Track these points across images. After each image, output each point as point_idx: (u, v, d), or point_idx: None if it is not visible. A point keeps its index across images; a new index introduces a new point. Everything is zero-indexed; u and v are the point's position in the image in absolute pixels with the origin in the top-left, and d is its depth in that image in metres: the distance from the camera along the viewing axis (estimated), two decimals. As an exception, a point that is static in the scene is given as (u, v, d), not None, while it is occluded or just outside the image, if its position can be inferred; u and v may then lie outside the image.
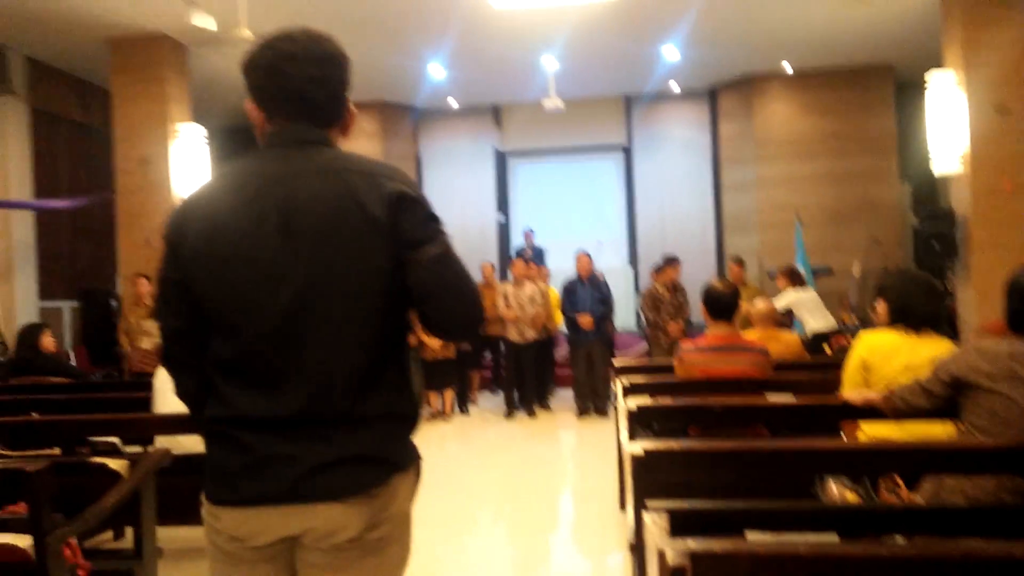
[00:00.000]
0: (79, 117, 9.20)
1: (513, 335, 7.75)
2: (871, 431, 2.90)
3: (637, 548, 2.19)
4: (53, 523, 2.29)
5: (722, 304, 3.64)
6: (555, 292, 8.15)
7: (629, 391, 3.60)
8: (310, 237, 1.34)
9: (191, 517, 3.12)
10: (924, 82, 7.55)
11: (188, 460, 3.03)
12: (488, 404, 8.63)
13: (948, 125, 7.20)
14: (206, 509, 1.42)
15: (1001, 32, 7.06)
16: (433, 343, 7.44)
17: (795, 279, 7.31)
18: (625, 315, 10.35)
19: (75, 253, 9.25)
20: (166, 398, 3.28)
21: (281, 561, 1.41)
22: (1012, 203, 6.99)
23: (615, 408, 4.62)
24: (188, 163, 8.17)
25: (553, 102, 9.26)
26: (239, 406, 1.36)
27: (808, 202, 10.15)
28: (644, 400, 3.08)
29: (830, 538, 1.71)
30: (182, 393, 1.52)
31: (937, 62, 7.72)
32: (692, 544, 1.37)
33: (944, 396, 2.37)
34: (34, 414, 3.81)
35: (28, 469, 2.25)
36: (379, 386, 1.38)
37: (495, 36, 8.37)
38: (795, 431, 3.41)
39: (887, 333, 2.97)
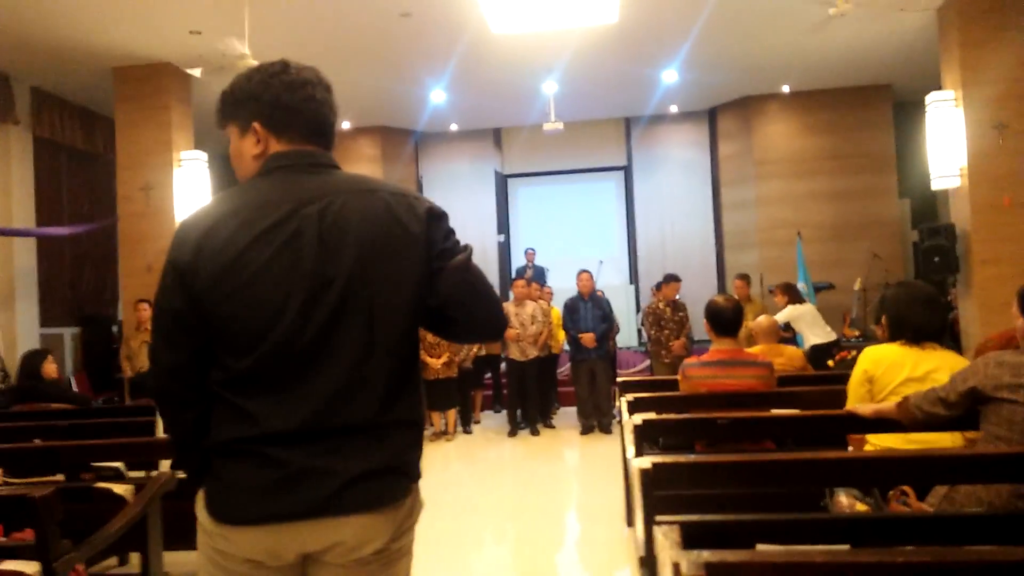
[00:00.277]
0: (82, 145, 9.27)
1: (515, 354, 7.76)
2: (878, 443, 2.89)
3: (647, 562, 2.18)
4: (60, 549, 2.28)
5: (725, 319, 3.65)
6: (557, 311, 8.16)
7: (634, 407, 3.59)
8: (351, 251, 1.37)
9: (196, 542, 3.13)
10: (922, 100, 7.61)
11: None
12: (491, 423, 8.60)
13: (947, 143, 7.26)
14: (214, 532, 1.37)
15: (998, 51, 7.13)
16: (435, 363, 7.44)
17: (792, 295, 7.34)
18: (626, 332, 10.35)
19: (77, 280, 9.27)
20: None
21: None
22: (1011, 218, 7.03)
23: (619, 425, 4.61)
24: (191, 189, 8.21)
25: (553, 125, 9.33)
26: (268, 423, 1.33)
27: (808, 219, 10.20)
28: (650, 415, 3.07)
29: (842, 549, 1.70)
30: (178, 430, 1.46)
31: (934, 81, 7.80)
32: (707, 555, 1.36)
33: (961, 406, 2.38)
34: (37, 441, 3.80)
35: (34, 495, 2.24)
36: (403, 394, 1.42)
37: (495, 61, 8.45)
38: (801, 444, 3.40)
39: (890, 347, 2.97)
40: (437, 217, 1.46)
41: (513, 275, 9.47)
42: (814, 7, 7.38)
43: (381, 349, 1.38)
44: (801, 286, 8.76)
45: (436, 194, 11.99)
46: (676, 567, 1.36)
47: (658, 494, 2.22)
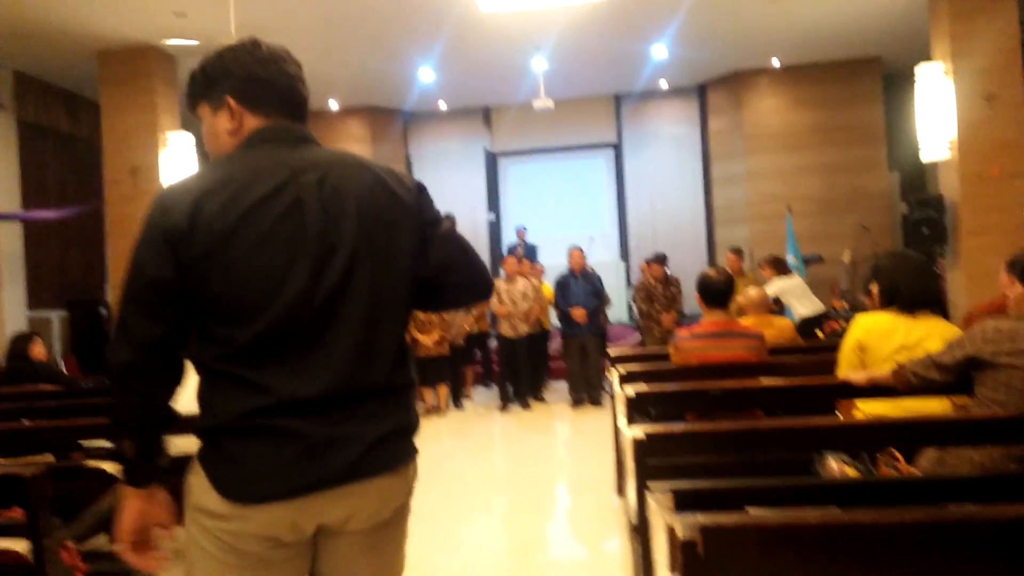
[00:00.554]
0: (67, 128, 9.17)
1: (506, 330, 7.78)
2: (867, 409, 2.91)
3: (640, 528, 2.18)
4: (50, 526, 2.26)
5: (716, 291, 3.65)
6: (549, 288, 8.17)
7: (626, 379, 3.60)
8: (352, 220, 1.37)
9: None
10: (911, 73, 7.59)
11: (184, 460, 3.00)
12: (482, 398, 8.63)
13: (936, 114, 7.25)
14: (228, 514, 1.31)
15: (988, 22, 7.11)
16: (426, 340, 7.44)
17: (779, 268, 7.35)
18: (617, 308, 10.37)
19: (64, 263, 9.20)
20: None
21: (307, 559, 1.40)
22: (999, 188, 7.04)
23: (611, 397, 4.62)
24: (178, 171, 8.13)
25: (543, 102, 9.26)
26: (284, 392, 1.30)
27: (798, 193, 10.21)
28: (642, 387, 3.07)
29: (834, 511, 1.70)
30: (146, 410, 1.37)
31: (923, 53, 7.77)
32: (701, 519, 1.36)
33: (956, 372, 2.41)
34: (25, 421, 3.78)
35: (24, 473, 2.23)
36: (404, 358, 1.45)
37: (484, 39, 8.37)
38: (792, 413, 3.41)
39: (882, 315, 2.98)
40: (424, 189, 1.53)
41: (504, 253, 9.45)
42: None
43: (387, 315, 1.40)
44: (791, 259, 8.78)
45: (426, 173, 11.92)
46: (671, 531, 1.36)
47: (650, 463, 2.22)
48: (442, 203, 1.54)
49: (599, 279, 7.95)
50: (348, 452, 1.32)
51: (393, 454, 1.39)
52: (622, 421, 3.16)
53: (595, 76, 10.37)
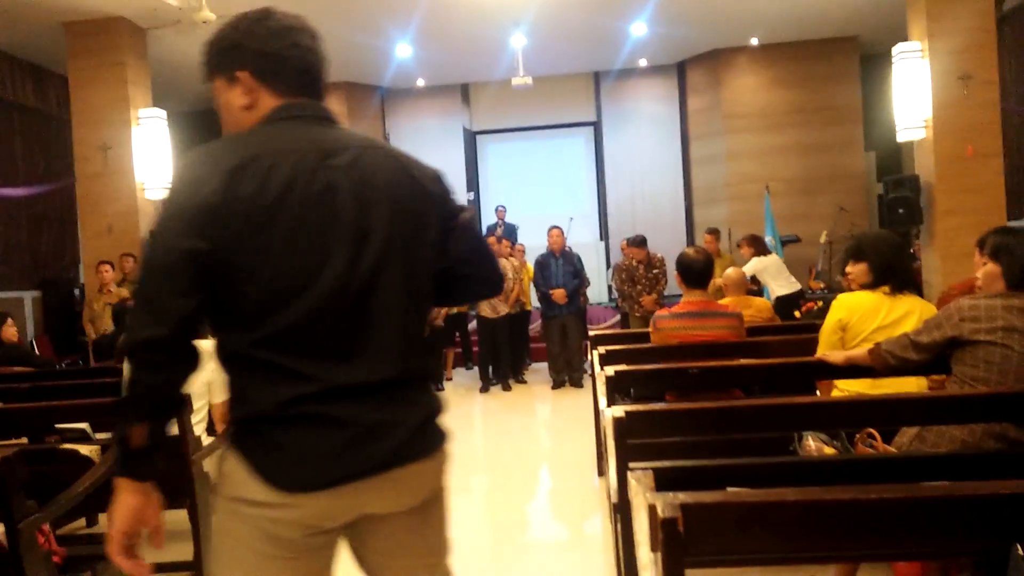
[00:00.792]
0: (34, 103, 8.96)
1: (486, 311, 7.76)
2: (845, 388, 2.94)
3: (620, 507, 2.20)
4: (25, 510, 2.23)
5: (695, 271, 3.66)
6: (530, 268, 8.16)
7: (606, 359, 3.61)
8: (384, 206, 1.35)
9: (166, 500, 3.09)
10: (888, 52, 7.63)
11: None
12: (462, 380, 8.63)
13: (912, 94, 7.29)
14: (275, 503, 1.26)
15: (964, 2, 7.15)
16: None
17: (758, 247, 7.38)
18: (597, 288, 10.40)
19: (35, 242, 9.04)
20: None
21: (338, 544, 1.40)
22: (974, 168, 7.12)
23: (591, 378, 4.64)
24: (150, 148, 7.99)
25: (522, 80, 9.20)
26: (329, 379, 1.27)
27: (776, 173, 10.27)
28: (621, 367, 3.08)
29: (813, 490, 1.72)
30: (168, 390, 1.28)
31: (900, 32, 7.81)
32: (682, 497, 1.37)
33: (933, 351, 2.43)
34: (-1, 404, 3.71)
35: (-4, 456, 2.19)
36: (429, 346, 1.46)
37: (462, 14, 8.27)
38: (771, 392, 3.45)
39: (864, 294, 3.01)
40: (444, 178, 1.51)
41: (484, 233, 9.41)
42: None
43: (415, 304, 1.40)
44: (769, 240, 8.83)
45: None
46: (652, 509, 1.36)
47: (631, 442, 2.23)
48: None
49: (579, 259, 7.94)
50: (393, 438, 1.32)
51: (432, 439, 1.40)
52: (602, 401, 3.17)
53: (574, 53, 10.31)
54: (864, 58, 10.43)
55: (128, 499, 1.28)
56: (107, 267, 7.22)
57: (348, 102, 11.00)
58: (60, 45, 7.99)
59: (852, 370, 2.75)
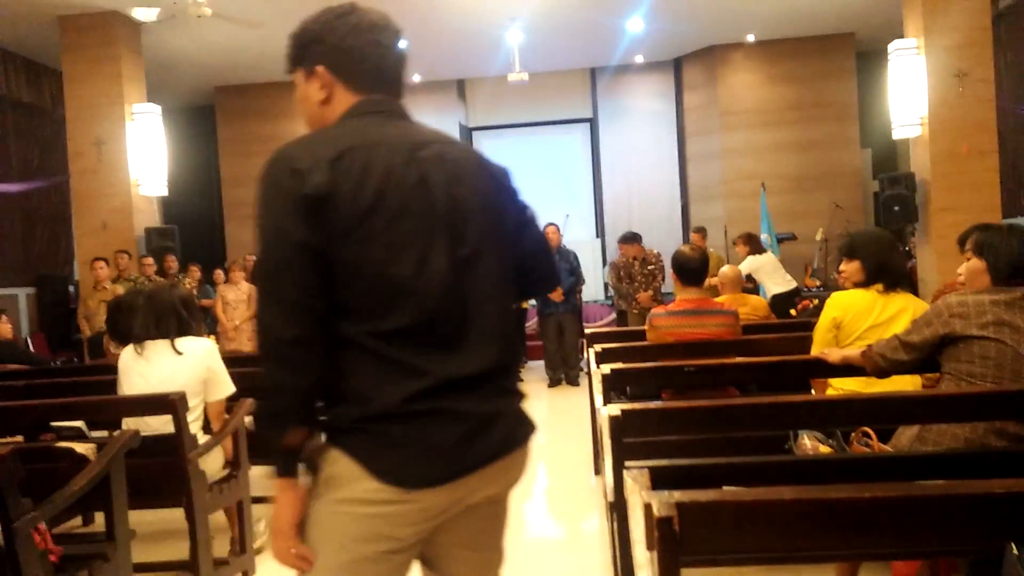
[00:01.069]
0: (28, 98, 8.93)
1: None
2: (840, 386, 2.95)
3: (617, 506, 2.20)
4: (21, 508, 2.23)
5: (691, 269, 3.66)
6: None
7: (602, 357, 3.61)
8: (472, 198, 1.36)
9: (162, 499, 3.09)
10: (884, 50, 7.64)
11: (157, 441, 2.97)
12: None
13: (908, 92, 7.31)
14: (394, 500, 1.25)
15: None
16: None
17: (753, 245, 7.39)
18: (593, 286, 10.40)
19: (29, 238, 9.00)
20: (131, 380, 3.20)
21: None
22: (969, 166, 7.14)
23: (587, 376, 4.64)
24: (144, 144, 7.97)
25: (518, 76, 9.19)
26: (438, 372, 1.27)
27: (772, 170, 10.27)
28: (618, 365, 3.09)
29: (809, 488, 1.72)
30: (314, 389, 1.27)
31: (897, 29, 7.81)
32: (678, 495, 1.37)
33: (924, 350, 2.43)
34: (-7, 401, 3.70)
35: (-9, 454, 2.18)
36: (518, 333, 1.46)
37: (458, 9, 8.25)
38: (766, 390, 3.46)
39: (857, 292, 3.02)
40: (512, 174, 1.54)
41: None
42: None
43: (508, 293, 1.43)
44: (764, 237, 8.84)
45: (399, 148, 11.79)
46: (648, 508, 1.37)
47: (627, 441, 2.23)
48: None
49: (575, 256, 7.94)
50: (501, 428, 1.34)
51: (528, 426, 1.42)
52: (599, 399, 3.17)
53: (570, 49, 10.30)
54: (860, 55, 10.44)
55: (290, 497, 1.29)
56: (102, 263, 7.19)
57: (344, 98, 10.97)
58: (54, 40, 7.96)
59: (847, 369, 2.76)
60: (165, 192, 8.37)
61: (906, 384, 2.88)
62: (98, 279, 7.19)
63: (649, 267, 7.61)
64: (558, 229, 7.87)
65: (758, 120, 10.51)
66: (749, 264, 7.16)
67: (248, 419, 3.44)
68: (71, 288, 9.10)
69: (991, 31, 7.32)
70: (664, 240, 10.23)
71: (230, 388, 3.26)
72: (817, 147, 10.38)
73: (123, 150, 7.88)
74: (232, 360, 3.68)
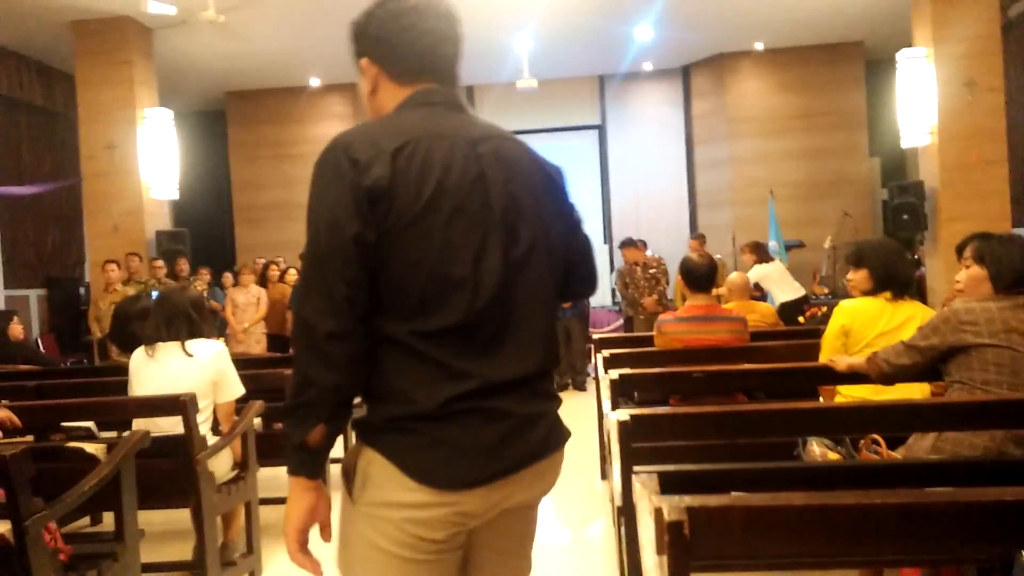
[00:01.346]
0: (41, 102, 9.00)
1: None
2: (849, 394, 2.95)
3: (625, 511, 2.20)
4: (32, 507, 2.24)
5: (699, 275, 3.67)
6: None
7: (610, 363, 3.61)
8: (528, 197, 1.32)
9: (171, 499, 3.11)
10: (892, 58, 7.63)
11: (167, 442, 2.99)
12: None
13: (917, 100, 7.30)
14: (432, 503, 1.21)
15: (969, 8, 7.15)
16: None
17: (760, 253, 7.38)
18: (600, 292, 10.39)
19: (41, 241, 9.07)
20: (142, 381, 3.22)
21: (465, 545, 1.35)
22: (978, 175, 7.12)
23: (595, 381, 4.64)
24: (156, 148, 8.02)
25: (527, 82, 9.22)
26: (486, 373, 1.23)
27: (780, 178, 10.26)
28: (626, 370, 3.09)
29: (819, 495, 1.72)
30: (348, 388, 1.22)
31: (905, 38, 7.81)
32: (688, 500, 1.37)
33: (929, 357, 2.43)
34: (4, 402, 3.73)
35: (4, 453, 2.20)
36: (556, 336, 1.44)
37: (467, 16, 8.14)
38: (774, 397, 3.45)
39: (867, 300, 3.02)
40: (565, 173, 1.48)
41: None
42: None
43: (554, 297, 1.39)
44: (772, 245, 8.83)
45: (408, 153, 11.82)
46: (658, 512, 1.37)
47: (635, 446, 2.23)
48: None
49: (582, 262, 7.94)
50: (540, 430, 1.32)
51: (564, 432, 1.41)
52: (607, 405, 3.17)
53: (579, 56, 10.33)
54: (869, 64, 10.43)
55: (306, 498, 1.25)
56: (113, 266, 7.24)
57: (354, 104, 11.02)
58: (67, 44, 8.03)
59: (855, 376, 2.76)
60: (176, 195, 8.42)
61: (915, 392, 2.87)
62: (109, 281, 7.23)
63: (651, 271, 7.59)
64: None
65: (766, 128, 10.51)
66: (756, 273, 7.16)
67: (257, 421, 3.45)
68: (82, 290, 9.15)
69: (1000, 40, 7.31)
70: (671, 247, 10.21)
71: (240, 390, 3.28)
72: (825, 155, 10.37)
73: (135, 154, 7.93)
74: (241, 362, 3.70)
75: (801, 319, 6.89)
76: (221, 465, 3.20)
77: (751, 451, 2.62)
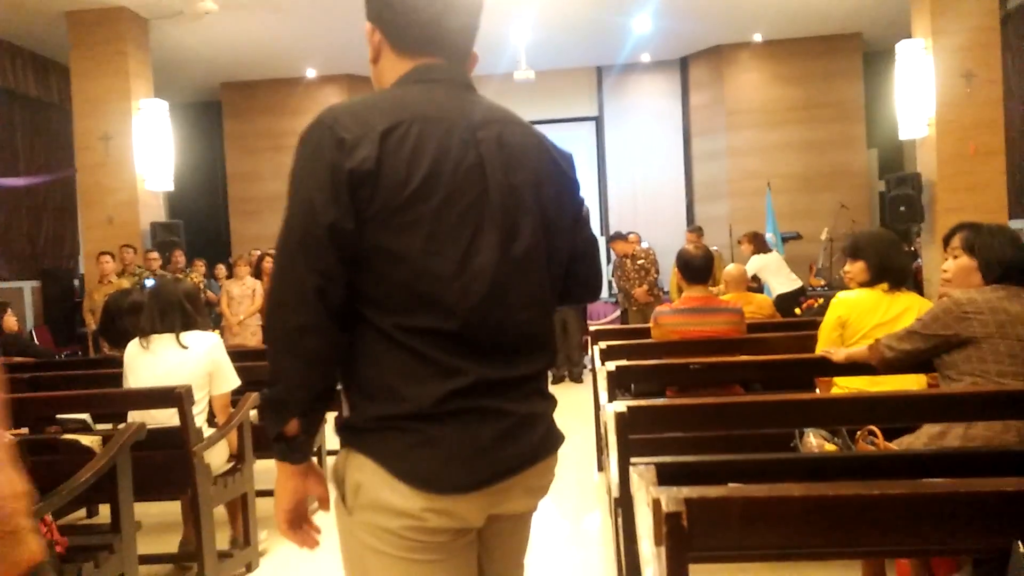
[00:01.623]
0: (36, 93, 8.95)
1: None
2: (845, 385, 2.95)
3: (622, 502, 2.20)
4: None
5: (696, 267, 3.66)
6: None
7: (607, 354, 3.61)
8: (530, 189, 1.23)
9: (167, 491, 3.10)
10: (891, 50, 7.62)
11: (163, 434, 2.98)
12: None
13: (916, 92, 7.29)
14: (426, 508, 1.15)
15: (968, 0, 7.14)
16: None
17: (758, 244, 7.38)
18: (598, 285, 10.40)
19: (35, 232, 9.03)
20: (137, 374, 3.21)
21: (476, 543, 1.29)
22: (976, 167, 7.12)
23: (591, 373, 4.63)
24: (151, 139, 7.98)
25: (524, 74, 9.18)
26: (476, 371, 1.17)
27: (778, 170, 10.26)
28: (623, 362, 3.08)
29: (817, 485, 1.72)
30: (320, 382, 1.17)
31: (903, 29, 7.79)
32: (686, 491, 1.37)
33: (933, 344, 2.41)
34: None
35: (-2, 445, 2.18)
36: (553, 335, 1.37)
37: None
38: (771, 388, 3.46)
39: (862, 292, 3.02)
40: (575, 163, 1.38)
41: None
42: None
43: (553, 295, 1.33)
44: (769, 236, 8.83)
45: (405, 145, 11.79)
46: (656, 503, 1.36)
47: (632, 438, 2.23)
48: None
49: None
50: (537, 430, 1.27)
51: (558, 435, 1.35)
52: (603, 396, 3.17)
53: (577, 48, 10.29)
54: (867, 55, 10.42)
55: (289, 482, 1.23)
56: (107, 258, 7.21)
57: (350, 94, 10.98)
58: (62, 35, 7.98)
59: (852, 367, 2.76)
60: (171, 187, 8.39)
61: (911, 383, 2.87)
62: (103, 273, 7.20)
63: (639, 262, 7.58)
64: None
65: (764, 119, 10.50)
66: (754, 263, 7.15)
67: (253, 413, 3.45)
68: (76, 282, 9.12)
69: (999, 32, 7.30)
70: (669, 239, 10.21)
71: (235, 382, 3.27)
72: (823, 147, 10.37)
73: (129, 145, 7.89)
74: (237, 354, 3.68)
75: (798, 311, 6.89)
76: (217, 457, 3.20)
77: (748, 443, 2.62)
